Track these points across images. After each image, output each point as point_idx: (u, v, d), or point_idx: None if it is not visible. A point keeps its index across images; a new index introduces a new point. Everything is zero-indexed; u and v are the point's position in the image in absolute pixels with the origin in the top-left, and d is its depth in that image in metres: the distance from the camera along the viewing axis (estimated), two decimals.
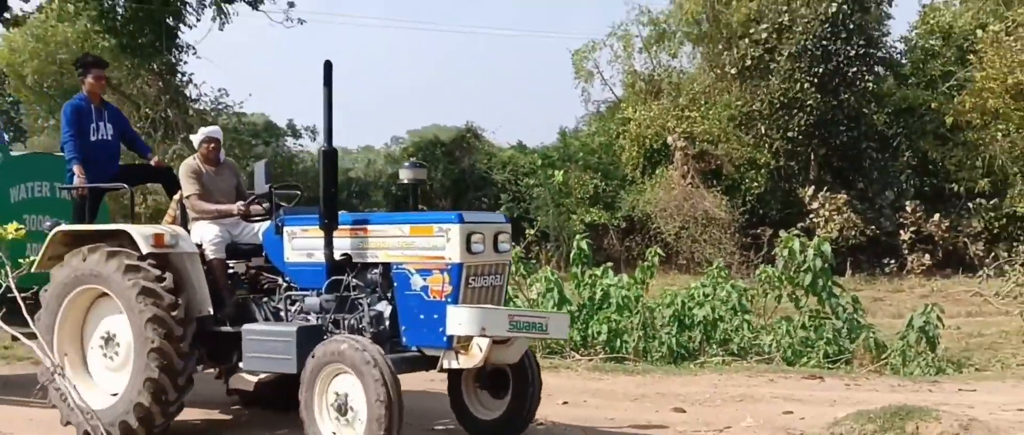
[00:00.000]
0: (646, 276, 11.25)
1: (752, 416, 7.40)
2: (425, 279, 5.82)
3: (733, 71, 20.51)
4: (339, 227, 6.10)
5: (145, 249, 6.21)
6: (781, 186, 22.07)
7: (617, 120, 24.32)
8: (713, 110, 22.05)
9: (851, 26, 19.58)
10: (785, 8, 19.88)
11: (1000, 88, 18.97)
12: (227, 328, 6.36)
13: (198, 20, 20.96)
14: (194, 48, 21.40)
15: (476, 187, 24.37)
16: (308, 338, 5.96)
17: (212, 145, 6.91)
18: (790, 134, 20.62)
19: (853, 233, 20.15)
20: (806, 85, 19.59)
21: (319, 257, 6.17)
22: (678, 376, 9.47)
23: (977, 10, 22.24)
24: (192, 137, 7.00)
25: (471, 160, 24.69)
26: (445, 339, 5.72)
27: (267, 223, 6.57)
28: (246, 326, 6.22)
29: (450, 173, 24.15)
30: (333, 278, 6.15)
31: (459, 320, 5.61)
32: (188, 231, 6.65)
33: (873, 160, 21.09)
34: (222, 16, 20.67)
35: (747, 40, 20.15)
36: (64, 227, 6.68)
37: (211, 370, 6.75)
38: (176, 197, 6.94)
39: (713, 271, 11.66)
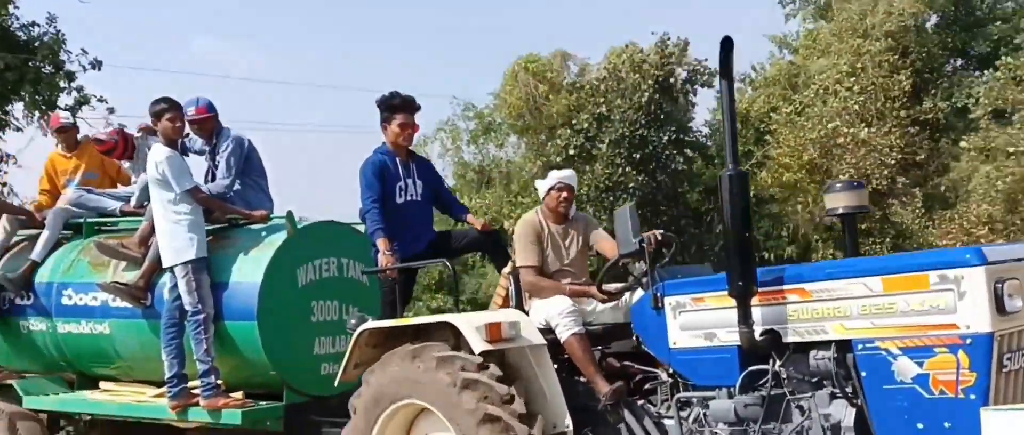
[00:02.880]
0: None
1: None
2: (920, 363, 3.77)
3: (558, 159, 21.01)
4: (759, 290, 4.07)
5: (478, 346, 4.34)
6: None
7: None
8: None
9: (662, 115, 20.70)
10: (602, 100, 20.82)
11: (796, 164, 20.37)
12: None
13: (19, 130, 18.21)
14: (15, 158, 18.60)
15: None
16: None
17: (564, 194, 5.05)
18: None
19: None
20: (628, 169, 20.57)
21: (727, 338, 4.20)
22: None
23: (768, 95, 23.69)
24: (538, 184, 5.16)
25: None
26: None
27: (632, 294, 4.70)
28: None
29: None
30: (751, 368, 4.16)
31: None
32: (526, 311, 4.76)
33: (691, 235, 21.71)
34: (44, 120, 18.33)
35: (569, 130, 20.89)
36: (371, 325, 4.88)
37: None
38: (506, 270, 5.11)
39: None
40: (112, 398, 6.42)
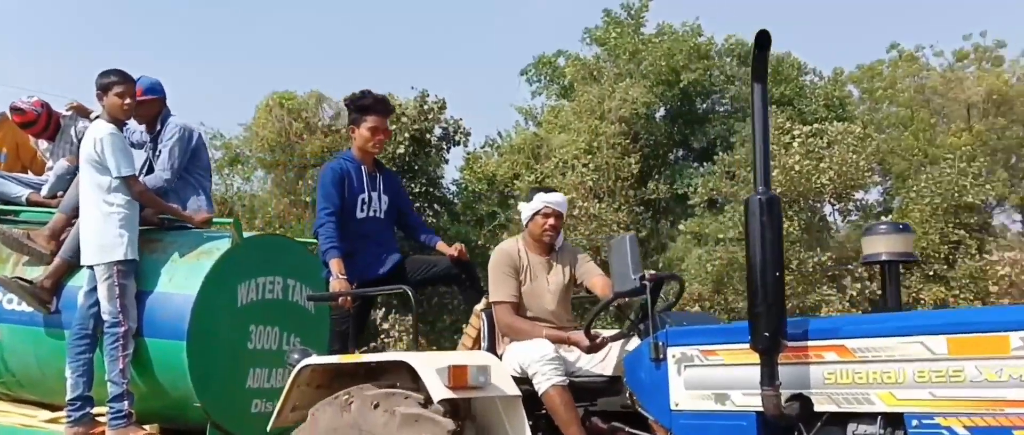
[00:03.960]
0: None
1: None
2: None
3: (307, 199, 20.76)
4: (787, 346, 3.28)
5: (438, 393, 3.51)
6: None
7: None
8: (290, 233, 22.12)
9: (416, 167, 21.08)
10: None
11: None
12: None
13: None
14: None
15: None
16: None
17: (551, 221, 4.28)
18: None
19: None
20: None
21: (744, 401, 3.41)
22: None
23: (512, 162, 24.74)
24: (521, 207, 4.37)
25: None
26: None
27: (626, 342, 3.95)
28: None
29: None
30: None
31: None
32: (499, 356, 3.97)
33: (440, 293, 21.79)
34: None
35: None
36: (315, 361, 4.06)
37: None
38: (478, 307, 4.34)
39: None
40: None
